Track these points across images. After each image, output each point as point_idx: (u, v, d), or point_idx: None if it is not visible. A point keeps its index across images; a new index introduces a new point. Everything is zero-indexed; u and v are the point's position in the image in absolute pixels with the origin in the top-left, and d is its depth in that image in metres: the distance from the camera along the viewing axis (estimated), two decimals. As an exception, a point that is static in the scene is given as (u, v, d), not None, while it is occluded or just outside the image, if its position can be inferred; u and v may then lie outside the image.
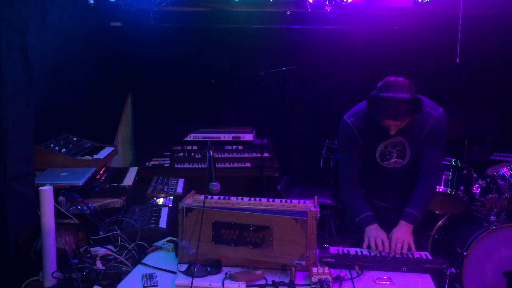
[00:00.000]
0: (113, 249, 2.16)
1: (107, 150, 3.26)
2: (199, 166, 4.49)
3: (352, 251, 2.10)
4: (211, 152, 2.13)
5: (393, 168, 2.44)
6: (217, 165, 4.40)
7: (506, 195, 3.19)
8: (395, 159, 2.42)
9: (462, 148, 4.70)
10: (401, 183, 2.50)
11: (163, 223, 2.43)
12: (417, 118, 2.31)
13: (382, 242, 2.18)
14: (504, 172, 3.25)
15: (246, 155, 4.60)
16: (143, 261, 2.05)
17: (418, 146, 2.39)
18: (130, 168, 3.30)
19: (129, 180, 2.93)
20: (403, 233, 2.23)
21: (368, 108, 2.28)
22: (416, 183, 2.39)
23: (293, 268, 1.87)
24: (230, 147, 4.67)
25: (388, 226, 2.35)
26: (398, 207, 2.46)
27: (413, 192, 2.38)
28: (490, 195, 3.20)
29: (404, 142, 2.39)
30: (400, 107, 2.14)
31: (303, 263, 1.89)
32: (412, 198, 2.36)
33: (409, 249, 2.17)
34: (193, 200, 2.10)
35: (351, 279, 1.88)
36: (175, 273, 1.93)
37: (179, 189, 3.15)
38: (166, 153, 4.58)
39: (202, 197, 2.09)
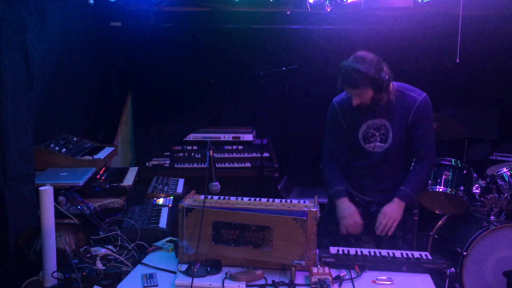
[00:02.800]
0: (113, 249, 2.16)
1: (107, 150, 3.26)
2: (199, 166, 4.49)
3: (352, 251, 2.10)
4: (211, 152, 2.13)
5: (375, 153, 2.50)
6: (217, 165, 4.40)
7: (506, 195, 3.19)
8: (378, 143, 2.49)
9: (462, 148, 4.70)
10: (383, 173, 2.54)
11: (163, 223, 2.43)
12: (400, 102, 2.42)
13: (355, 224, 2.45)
14: (504, 172, 3.25)
15: (246, 155, 4.60)
16: (143, 261, 2.05)
17: (401, 131, 2.45)
18: (130, 168, 3.30)
19: (129, 180, 2.93)
20: (393, 210, 2.40)
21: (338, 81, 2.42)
22: (413, 165, 2.49)
23: (293, 268, 1.87)
24: (230, 147, 4.67)
25: (369, 220, 2.49)
26: (378, 202, 2.52)
27: (409, 173, 2.48)
28: (490, 195, 3.20)
29: (387, 125, 2.46)
30: (355, 77, 2.29)
31: (303, 263, 1.89)
32: (407, 178, 2.46)
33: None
34: (193, 200, 2.10)
35: (351, 279, 1.88)
36: (175, 273, 1.93)
37: (179, 189, 3.15)
38: (166, 153, 4.57)
39: (202, 197, 2.09)
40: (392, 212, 2.40)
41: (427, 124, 2.46)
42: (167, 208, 2.68)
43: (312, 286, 1.80)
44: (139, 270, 1.97)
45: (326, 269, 1.85)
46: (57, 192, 2.26)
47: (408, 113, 2.42)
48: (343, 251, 2.09)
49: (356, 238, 2.57)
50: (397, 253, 2.08)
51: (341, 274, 1.89)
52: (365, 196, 2.60)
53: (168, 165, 4.46)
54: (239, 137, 4.71)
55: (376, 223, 2.42)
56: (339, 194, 2.53)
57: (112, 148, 3.37)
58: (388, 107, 2.43)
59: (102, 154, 3.10)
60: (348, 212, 2.49)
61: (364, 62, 2.31)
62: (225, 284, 1.81)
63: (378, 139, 2.48)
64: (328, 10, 3.89)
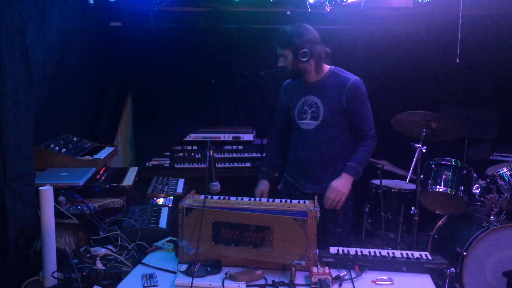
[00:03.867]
0: (113, 249, 2.16)
1: (107, 150, 3.26)
2: (199, 166, 4.49)
3: (352, 251, 2.10)
4: (211, 152, 2.13)
5: (307, 130, 2.66)
6: (217, 165, 4.40)
7: (506, 195, 3.19)
8: (309, 120, 2.65)
9: (462, 148, 4.70)
10: (316, 152, 2.66)
11: (163, 223, 2.43)
12: (334, 82, 2.60)
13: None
14: (504, 172, 3.25)
15: (246, 155, 4.60)
16: (143, 261, 2.05)
17: (333, 110, 2.60)
18: (130, 168, 3.30)
19: (129, 180, 2.93)
20: (341, 184, 2.55)
21: None
22: (357, 144, 2.65)
23: (293, 268, 1.87)
24: (230, 147, 4.67)
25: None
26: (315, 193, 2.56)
27: (355, 151, 2.64)
28: (490, 195, 3.20)
29: (319, 103, 2.62)
30: (280, 36, 2.57)
31: (303, 263, 1.89)
32: (353, 155, 2.62)
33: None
34: (193, 200, 2.10)
35: (351, 279, 1.88)
36: (175, 273, 1.93)
37: (179, 189, 3.15)
38: (166, 153, 4.57)
39: (202, 197, 2.09)
40: (340, 187, 2.54)
41: (361, 103, 2.62)
42: (167, 208, 2.69)
43: (312, 286, 1.80)
44: (139, 270, 1.97)
45: (326, 269, 1.85)
46: (57, 192, 2.25)
47: (341, 93, 2.58)
48: (343, 251, 2.09)
49: None
50: (397, 253, 2.08)
51: (341, 274, 1.90)
52: (304, 187, 2.72)
53: (168, 165, 4.46)
54: (239, 137, 4.71)
55: (325, 197, 2.55)
56: (261, 174, 2.90)
57: (112, 148, 3.37)
58: (321, 86, 2.63)
59: (102, 154, 3.10)
60: (259, 188, 2.85)
61: (297, 28, 2.55)
62: (225, 284, 1.81)
63: (309, 116, 2.65)
64: (328, 10, 3.89)
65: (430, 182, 3.40)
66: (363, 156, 2.62)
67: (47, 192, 1.87)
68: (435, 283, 1.92)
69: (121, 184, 2.80)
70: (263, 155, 4.34)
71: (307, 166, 2.72)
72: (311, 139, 2.67)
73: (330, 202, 2.54)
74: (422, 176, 3.47)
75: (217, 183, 2.17)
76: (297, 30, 2.55)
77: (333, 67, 2.69)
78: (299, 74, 2.63)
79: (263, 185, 2.86)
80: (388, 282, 1.88)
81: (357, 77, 2.64)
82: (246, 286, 1.82)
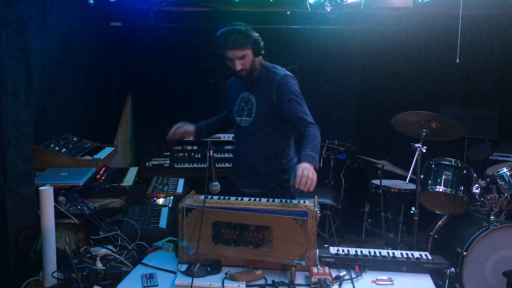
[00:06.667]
0: (113, 249, 2.16)
1: (107, 150, 3.25)
2: (199, 166, 4.49)
3: (352, 251, 2.10)
4: (211, 152, 2.13)
5: (242, 127, 2.61)
6: (217, 165, 4.40)
7: (506, 195, 3.19)
8: (245, 118, 2.60)
9: (462, 148, 4.71)
10: (252, 149, 2.60)
11: (163, 223, 2.42)
12: (265, 77, 2.53)
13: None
14: (504, 172, 3.26)
15: (246, 155, 4.59)
16: (143, 261, 2.05)
17: (265, 107, 2.52)
18: (130, 168, 3.30)
19: (129, 180, 2.92)
20: (308, 165, 2.18)
21: (216, 48, 2.52)
22: (303, 136, 2.43)
23: (293, 268, 1.87)
24: (230, 147, 4.67)
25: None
26: (256, 193, 2.49)
27: (303, 141, 2.39)
28: (490, 195, 3.20)
29: (253, 100, 2.57)
30: (237, 37, 2.41)
31: (303, 263, 1.89)
32: (302, 145, 2.35)
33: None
34: (193, 200, 2.10)
35: (351, 279, 1.88)
36: (175, 273, 1.93)
37: (179, 189, 3.15)
38: (166, 153, 4.58)
39: (202, 197, 2.09)
40: (308, 165, 2.18)
41: (292, 95, 2.49)
42: (167, 208, 2.68)
43: (312, 286, 1.80)
44: (139, 270, 1.97)
45: (326, 269, 1.85)
46: (57, 192, 2.25)
47: (271, 88, 2.50)
48: (343, 251, 2.09)
49: None
50: (397, 253, 2.08)
51: (341, 274, 1.89)
52: (244, 186, 2.66)
53: (168, 165, 4.47)
54: (239, 137, 4.71)
55: (296, 177, 2.12)
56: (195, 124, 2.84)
57: (112, 148, 3.37)
58: (254, 82, 2.56)
59: (102, 154, 3.09)
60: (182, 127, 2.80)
61: (241, 25, 2.45)
62: (225, 284, 1.81)
63: (245, 113, 2.60)
64: (328, 10, 3.90)
65: (430, 182, 3.40)
66: (312, 143, 2.35)
67: (47, 192, 1.87)
68: (435, 283, 1.92)
69: (121, 184, 2.80)
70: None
71: (243, 164, 2.65)
72: (247, 136, 2.60)
73: (304, 180, 2.10)
74: (422, 176, 3.47)
75: (217, 183, 2.16)
76: (246, 27, 2.47)
77: (267, 63, 2.63)
78: (254, 71, 2.53)
79: (187, 126, 2.82)
80: (388, 282, 1.88)
81: (287, 72, 2.57)
82: (246, 286, 1.82)
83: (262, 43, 2.50)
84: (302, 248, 1.90)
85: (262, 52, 2.52)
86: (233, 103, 2.68)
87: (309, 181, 2.11)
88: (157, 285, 1.83)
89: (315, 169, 2.22)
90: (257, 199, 2.20)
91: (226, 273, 1.87)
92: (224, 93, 2.80)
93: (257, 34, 2.49)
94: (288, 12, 4.46)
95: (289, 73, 2.58)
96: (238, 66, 2.47)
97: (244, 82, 2.59)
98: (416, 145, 3.39)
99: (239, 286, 1.80)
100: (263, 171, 2.58)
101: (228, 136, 4.71)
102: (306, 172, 2.12)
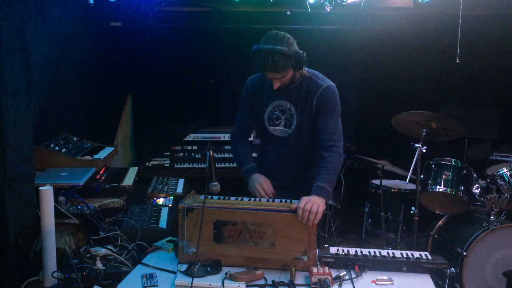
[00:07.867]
0: (113, 249, 2.16)
1: (107, 150, 3.26)
2: (199, 166, 4.49)
3: (352, 251, 2.10)
4: (211, 152, 2.12)
5: (278, 137, 2.47)
6: (217, 165, 4.40)
7: (506, 195, 3.19)
8: (282, 128, 2.45)
9: (462, 148, 4.71)
10: (287, 158, 2.49)
11: (163, 223, 2.43)
12: (306, 87, 2.36)
13: (262, 188, 2.36)
14: (504, 172, 3.25)
15: (246, 155, 4.59)
16: (143, 261, 2.05)
17: (306, 119, 2.39)
18: (130, 168, 3.30)
19: (129, 180, 2.93)
20: (314, 199, 2.05)
21: (252, 62, 2.28)
22: (321, 156, 2.32)
23: (293, 268, 1.87)
24: (230, 147, 4.67)
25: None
26: (287, 185, 2.49)
27: (320, 166, 2.31)
28: (490, 195, 3.20)
29: (293, 110, 2.41)
30: (278, 60, 2.17)
31: (305, 258, 1.90)
32: (319, 174, 2.27)
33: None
34: (193, 200, 2.10)
35: (351, 279, 1.88)
36: (175, 273, 1.93)
37: (179, 189, 3.15)
38: (166, 153, 4.58)
39: (202, 197, 2.09)
40: (314, 199, 2.06)
41: (334, 113, 2.38)
42: (167, 208, 2.69)
43: (312, 286, 1.80)
44: (139, 270, 1.97)
45: (326, 269, 1.85)
46: (57, 192, 2.26)
47: (312, 99, 2.35)
48: (343, 251, 2.09)
49: None
50: (397, 253, 2.08)
51: (341, 274, 1.89)
52: (274, 179, 2.50)
53: (168, 165, 4.47)
54: (239, 137, 4.71)
55: (297, 210, 1.97)
56: (252, 170, 2.50)
57: (112, 148, 3.37)
58: (295, 91, 2.37)
59: (102, 154, 3.10)
60: (262, 178, 2.43)
61: (283, 42, 2.22)
62: (225, 284, 1.81)
63: (283, 123, 2.45)
64: (328, 10, 3.90)
65: (430, 182, 3.40)
66: (328, 173, 2.25)
67: (47, 192, 1.87)
68: (435, 283, 1.92)
69: (121, 184, 2.80)
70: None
71: (278, 174, 2.53)
72: (285, 147, 2.47)
73: (306, 215, 1.95)
74: (422, 176, 3.47)
75: (217, 183, 2.16)
76: (287, 45, 2.23)
77: (306, 69, 2.42)
78: (293, 83, 2.36)
79: (260, 178, 2.44)
80: (388, 282, 1.88)
81: (331, 83, 2.40)
82: (246, 286, 1.82)
83: (304, 57, 2.26)
84: (304, 243, 1.91)
85: (304, 66, 2.32)
86: (263, 109, 2.47)
87: (312, 215, 1.96)
88: (157, 285, 1.83)
89: (326, 200, 2.14)
90: (257, 199, 2.20)
91: (226, 273, 1.87)
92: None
93: (298, 49, 2.26)
94: (288, 12, 4.46)
95: (332, 83, 2.40)
96: (276, 84, 2.28)
97: (279, 89, 2.33)
98: (416, 145, 3.39)
99: (239, 286, 1.80)
100: (301, 179, 2.50)
101: (228, 136, 4.70)
102: (309, 206, 1.98)
